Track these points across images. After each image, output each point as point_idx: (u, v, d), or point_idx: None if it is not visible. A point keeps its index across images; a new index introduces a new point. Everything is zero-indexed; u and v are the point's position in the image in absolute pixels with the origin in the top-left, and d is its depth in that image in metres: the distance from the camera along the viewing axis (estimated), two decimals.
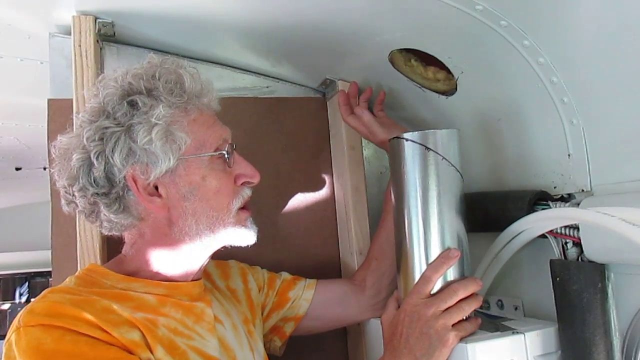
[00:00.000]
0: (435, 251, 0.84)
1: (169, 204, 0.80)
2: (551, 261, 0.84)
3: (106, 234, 0.84)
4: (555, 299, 0.83)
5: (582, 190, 0.82)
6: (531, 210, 0.86)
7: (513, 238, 0.89)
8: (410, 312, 0.82)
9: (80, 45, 1.01)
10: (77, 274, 0.83)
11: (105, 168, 0.77)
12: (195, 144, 0.81)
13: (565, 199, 0.86)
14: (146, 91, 0.79)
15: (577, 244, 0.81)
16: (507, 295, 1.01)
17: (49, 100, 1.06)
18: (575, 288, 0.79)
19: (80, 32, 1.02)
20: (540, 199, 0.87)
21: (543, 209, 0.85)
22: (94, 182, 0.77)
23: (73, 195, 0.80)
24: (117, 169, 0.77)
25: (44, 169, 2.88)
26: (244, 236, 0.85)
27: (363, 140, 1.25)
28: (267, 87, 1.26)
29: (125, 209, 0.80)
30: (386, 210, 1.10)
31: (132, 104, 0.78)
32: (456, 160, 0.85)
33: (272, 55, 1.18)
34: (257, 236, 0.87)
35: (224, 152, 0.83)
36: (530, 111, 0.88)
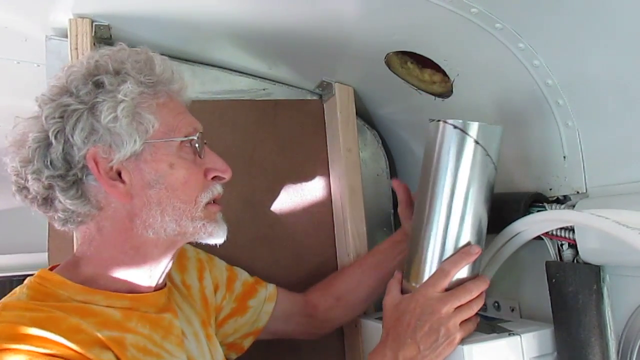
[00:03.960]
0: (452, 239, 0.82)
1: (132, 191, 0.74)
2: (547, 263, 0.85)
3: (60, 227, 0.77)
4: (551, 301, 0.84)
5: (578, 192, 0.82)
6: (527, 212, 0.86)
7: (509, 240, 0.89)
8: (423, 304, 0.79)
9: (77, 48, 1.01)
10: (27, 282, 0.74)
11: (63, 148, 0.71)
12: (164, 129, 0.76)
13: (561, 200, 0.86)
14: (113, 71, 0.74)
15: (573, 245, 0.82)
16: (503, 297, 1.02)
17: None
18: (570, 290, 0.80)
19: (76, 35, 1.02)
20: (535, 201, 0.87)
21: (539, 211, 0.85)
22: (50, 163, 0.71)
23: (26, 179, 0.73)
24: (77, 148, 0.71)
25: None
26: (212, 233, 0.79)
27: (360, 142, 1.25)
28: (264, 89, 1.26)
29: (83, 194, 0.73)
30: (371, 254, 1.10)
31: (98, 84, 0.73)
32: (495, 155, 0.82)
33: (268, 57, 1.18)
34: (227, 235, 0.81)
35: (194, 138, 0.78)
36: (525, 113, 0.88)
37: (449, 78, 0.98)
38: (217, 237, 0.81)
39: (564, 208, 0.83)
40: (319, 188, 1.26)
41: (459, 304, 0.79)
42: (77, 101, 0.72)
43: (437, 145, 0.83)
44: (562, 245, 0.84)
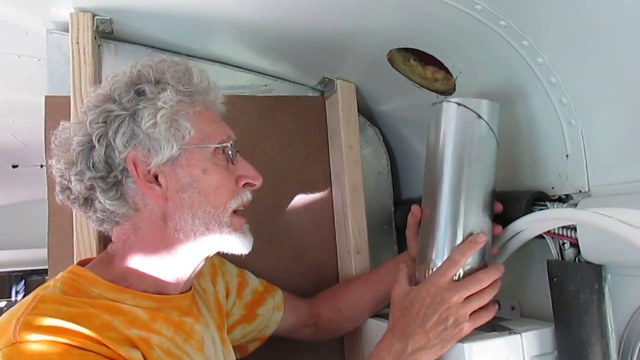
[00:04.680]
0: (462, 216, 0.82)
1: (167, 194, 0.77)
2: (548, 262, 0.84)
3: (98, 227, 0.81)
4: (552, 300, 0.83)
5: (580, 191, 0.82)
6: (529, 210, 0.85)
7: (510, 238, 0.88)
8: (434, 294, 0.80)
9: (78, 42, 1.01)
10: (60, 277, 0.77)
11: (105, 151, 0.75)
12: (199, 136, 0.79)
13: (563, 199, 0.86)
14: (154, 80, 0.79)
15: (575, 244, 0.81)
16: (504, 296, 1.01)
17: (46, 97, 1.05)
18: (572, 289, 0.80)
19: (78, 29, 1.01)
20: (538, 200, 0.87)
21: (541, 209, 0.85)
22: (93, 166, 0.75)
23: (69, 180, 0.77)
24: (118, 151, 0.75)
25: (41, 166, 2.87)
26: (238, 242, 0.82)
27: (361, 139, 1.25)
28: (266, 85, 1.25)
29: (122, 196, 0.77)
30: (375, 271, 1.11)
31: (139, 92, 0.78)
32: (497, 130, 0.84)
33: (270, 53, 1.18)
34: (252, 246, 0.84)
35: (228, 145, 0.82)
36: (528, 112, 0.88)
37: (451, 75, 0.97)
38: (243, 248, 0.83)
39: (566, 207, 0.83)
40: (320, 185, 1.26)
41: (468, 293, 0.80)
42: (120, 108, 0.76)
43: (442, 124, 0.84)
44: (563, 244, 0.84)
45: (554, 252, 0.85)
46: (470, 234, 0.83)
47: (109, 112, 0.76)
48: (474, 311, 0.80)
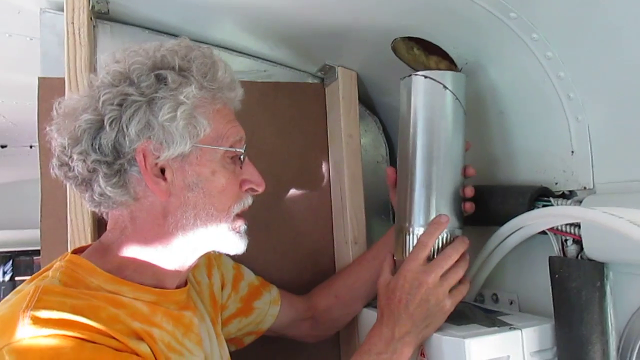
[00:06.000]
0: (437, 184, 0.88)
1: (171, 190, 0.74)
2: (550, 258, 0.84)
3: (92, 208, 0.78)
4: (553, 296, 0.83)
5: (585, 188, 0.81)
6: (532, 206, 0.85)
7: (512, 233, 0.88)
8: (411, 279, 0.83)
9: (73, 23, 0.98)
10: (59, 266, 0.74)
11: (116, 136, 0.72)
12: (214, 135, 0.77)
13: (567, 196, 0.85)
14: (178, 69, 0.75)
15: (577, 241, 0.81)
16: (502, 290, 1.01)
17: (39, 78, 1.02)
18: (573, 286, 0.79)
19: (73, 9, 0.98)
20: (541, 195, 0.86)
21: (544, 205, 0.84)
22: (98, 148, 0.72)
23: (70, 157, 0.73)
24: (130, 139, 0.71)
25: (31, 147, 2.82)
26: (235, 244, 0.81)
27: (361, 128, 1.23)
28: (265, 71, 1.23)
29: (124, 184, 0.73)
30: (369, 250, 1.12)
31: (160, 78, 0.74)
32: (463, 100, 0.89)
33: (270, 38, 1.15)
34: (247, 247, 0.82)
35: (240, 150, 0.80)
36: (534, 105, 0.87)
37: (455, 66, 0.96)
38: (237, 249, 0.81)
39: (570, 203, 0.82)
40: (318, 173, 1.24)
41: (442, 271, 0.83)
42: (138, 92, 0.72)
43: (411, 98, 0.90)
44: (566, 240, 0.83)
45: (556, 249, 0.84)
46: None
47: (126, 96, 0.72)
48: (453, 287, 0.84)
